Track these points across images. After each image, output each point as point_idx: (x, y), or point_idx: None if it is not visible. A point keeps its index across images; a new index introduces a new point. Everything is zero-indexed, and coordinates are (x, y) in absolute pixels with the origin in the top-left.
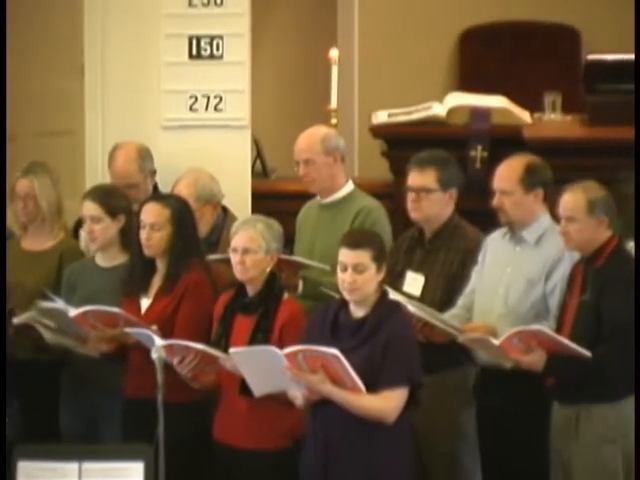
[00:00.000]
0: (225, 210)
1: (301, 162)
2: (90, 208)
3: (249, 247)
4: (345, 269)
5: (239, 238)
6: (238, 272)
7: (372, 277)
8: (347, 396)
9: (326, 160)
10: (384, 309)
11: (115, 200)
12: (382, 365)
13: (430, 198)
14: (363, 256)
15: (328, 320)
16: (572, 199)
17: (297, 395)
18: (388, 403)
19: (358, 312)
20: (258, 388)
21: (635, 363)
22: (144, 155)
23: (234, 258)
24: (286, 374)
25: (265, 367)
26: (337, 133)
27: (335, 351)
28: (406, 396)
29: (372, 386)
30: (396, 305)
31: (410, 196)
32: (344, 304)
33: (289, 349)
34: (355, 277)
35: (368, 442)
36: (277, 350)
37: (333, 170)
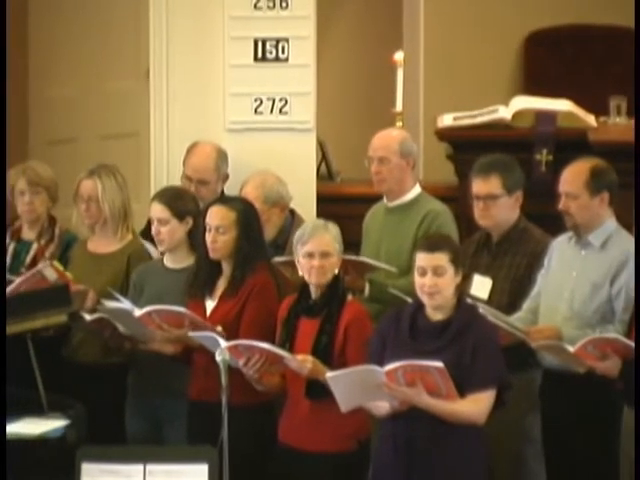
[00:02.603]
0: (293, 213)
1: (375, 159)
2: (157, 210)
3: (327, 251)
4: (424, 273)
5: (316, 243)
6: (315, 276)
7: (451, 280)
8: (440, 404)
9: (400, 162)
10: (466, 311)
11: (183, 203)
12: (471, 367)
13: (498, 204)
14: (441, 258)
15: (405, 323)
16: None
17: (385, 406)
18: (479, 406)
19: (437, 315)
20: (347, 404)
21: (636, 363)
22: (222, 156)
23: (310, 262)
24: (381, 389)
25: (360, 385)
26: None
27: (440, 364)
28: (494, 397)
29: (458, 388)
30: (476, 307)
31: (477, 204)
32: (419, 307)
33: (391, 366)
34: (435, 280)
35: (450, 443)
36: (377, 368)
37: (404, 174)
